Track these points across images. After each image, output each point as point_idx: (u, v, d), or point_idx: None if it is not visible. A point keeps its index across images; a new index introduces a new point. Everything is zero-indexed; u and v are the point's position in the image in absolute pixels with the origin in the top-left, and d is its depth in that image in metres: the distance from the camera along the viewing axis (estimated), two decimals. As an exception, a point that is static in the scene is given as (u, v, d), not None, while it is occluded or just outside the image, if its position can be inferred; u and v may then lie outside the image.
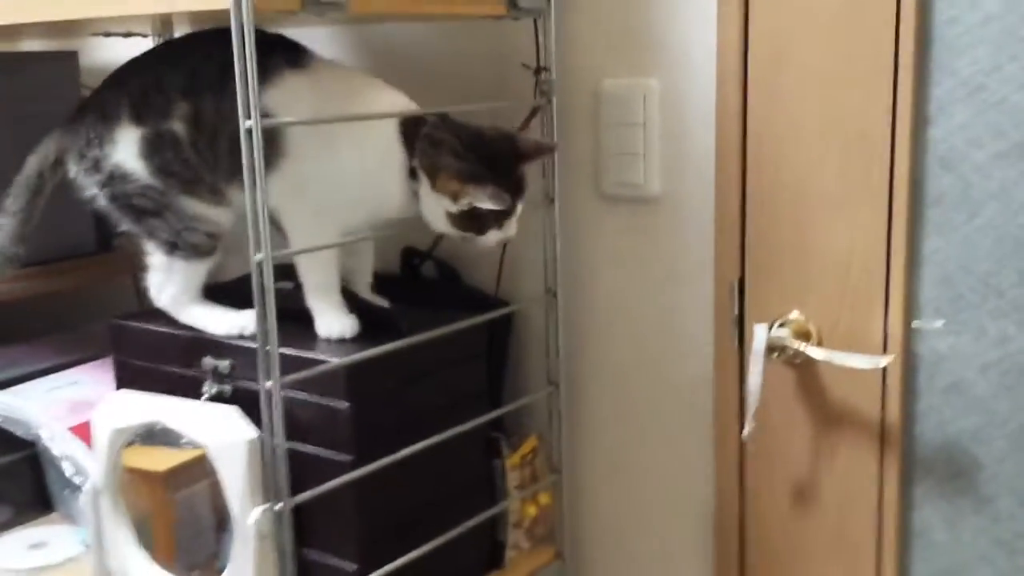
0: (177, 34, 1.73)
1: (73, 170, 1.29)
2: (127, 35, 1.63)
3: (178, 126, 1.21)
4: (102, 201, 1.28)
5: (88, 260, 1.64)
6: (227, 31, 0.97)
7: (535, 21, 1.33)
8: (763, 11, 1.23)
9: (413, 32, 1.52)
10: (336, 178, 1.19)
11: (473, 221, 1.18)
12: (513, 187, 1.19)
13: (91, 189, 1.28)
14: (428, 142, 1.17)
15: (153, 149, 1.22)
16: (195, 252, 1.25)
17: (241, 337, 1.23)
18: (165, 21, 1.49)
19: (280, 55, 1.21)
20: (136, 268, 1.75)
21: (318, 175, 1.19)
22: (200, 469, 1.27)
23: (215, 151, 1.20)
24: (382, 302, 1.35)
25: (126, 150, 1.23)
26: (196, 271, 1.27)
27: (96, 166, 1.26)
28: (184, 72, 1.22)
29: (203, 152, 1.20)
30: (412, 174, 1.19)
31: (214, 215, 1.25)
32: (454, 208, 1.17)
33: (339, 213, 1.21)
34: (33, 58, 1.66)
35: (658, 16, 1.31)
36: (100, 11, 1.15)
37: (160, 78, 1.24)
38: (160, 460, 1.29)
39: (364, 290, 1.34)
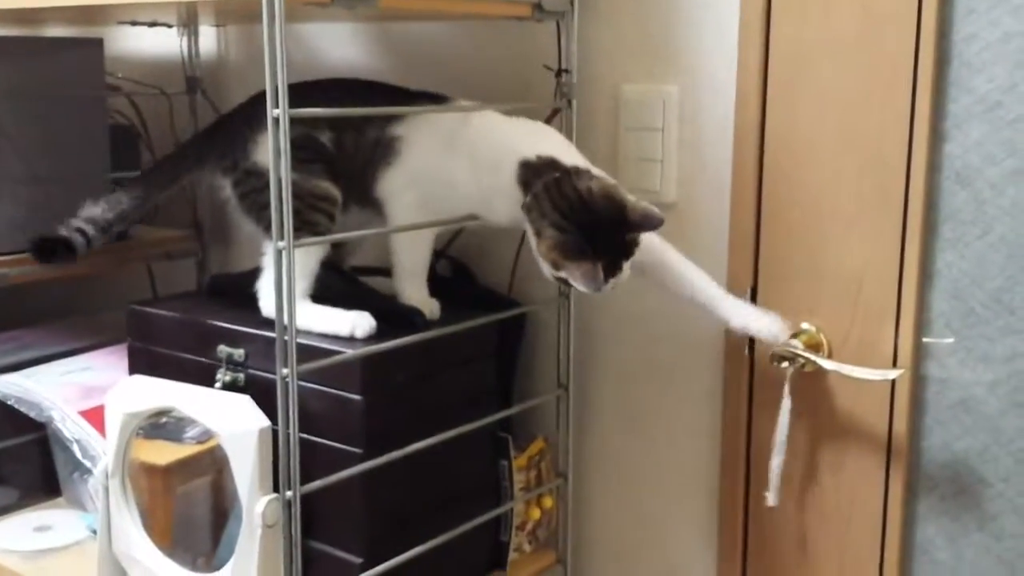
0: (202, 27, 1.75)
1: (212, 170, 1.37)
2: (152, 24, 1.65)
3: (326, 136, 1.28)
4: (233, 201, 1.34)
5: (104, 247, 1.64)
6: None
7: (558, 23, 1.35)
8: (784, 26, 1.24)
9: (436, 31, 1.53)
10: (446, 184, 1.26)
11: (570, 284, 1.18)
12: (616, 252, 1.17)
13: (226, 190, 1.35)
14: (536, 202, 1.18)
15: (294, 147, 1.20)
16: (310, 231, 1.24)
17: (352, 338, 1.21)
18: (191, 13, 1.50)
19: (426, 98, 1.31)
20: (151, 257, 1.77)
21: (429, 177, 1.26)
22: (201, 465, 1.28)
23: (363, 159, 1.29)
24: (433, 299, 1.34)
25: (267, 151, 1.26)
26: (307, 260, 1.25)
27: (234, 166, 1.32)
28: (347, 98, 1.30)
29: (346, 156, 1.28)
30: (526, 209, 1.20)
31: (335, 196, 1.28)
32: (552, 274, 1.18)
33: (441, 212, 1.28)
34: (58, 44, 1.66)
35: (680, 24, 1.32)
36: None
37: (315, 99, 1.27)
38: (162, 454, 1.29)
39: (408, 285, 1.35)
